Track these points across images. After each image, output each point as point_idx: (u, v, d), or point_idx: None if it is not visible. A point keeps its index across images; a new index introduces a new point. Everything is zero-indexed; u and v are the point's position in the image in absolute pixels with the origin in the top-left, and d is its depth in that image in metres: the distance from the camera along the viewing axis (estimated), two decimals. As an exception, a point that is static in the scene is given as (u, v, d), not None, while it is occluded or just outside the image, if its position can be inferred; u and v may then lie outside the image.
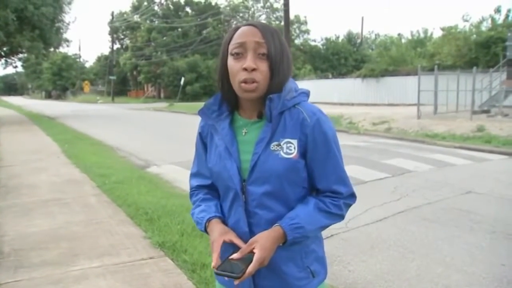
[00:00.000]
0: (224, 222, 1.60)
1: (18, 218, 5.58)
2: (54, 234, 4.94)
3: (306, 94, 1.58)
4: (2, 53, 25.81)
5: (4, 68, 52.28)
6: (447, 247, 4.73)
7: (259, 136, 1.50)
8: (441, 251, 4.62)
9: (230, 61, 1.47)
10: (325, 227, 1.52)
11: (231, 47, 1.47)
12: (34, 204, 6.25)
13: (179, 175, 8.06)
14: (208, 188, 1.71)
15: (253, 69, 1.42)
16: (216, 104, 1.59)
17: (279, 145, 1.47)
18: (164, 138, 14.90)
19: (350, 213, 5.62)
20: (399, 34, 43.61)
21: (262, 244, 1.40)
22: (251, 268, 1.36)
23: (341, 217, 1.54)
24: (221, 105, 1.59)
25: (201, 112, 1.62)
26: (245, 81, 1.43)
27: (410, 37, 45.04)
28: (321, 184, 1.52)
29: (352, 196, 1.56)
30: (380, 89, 30.84)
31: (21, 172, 8.71)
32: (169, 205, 5.57)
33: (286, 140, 1.48)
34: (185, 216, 5.19)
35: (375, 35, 62.75)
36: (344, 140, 12.81)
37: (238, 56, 1.45)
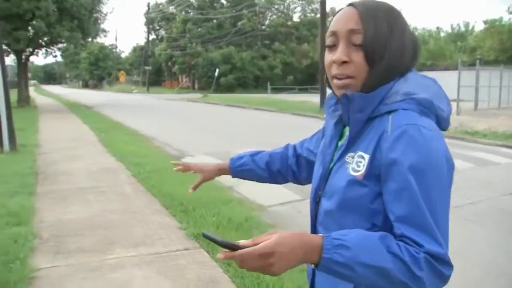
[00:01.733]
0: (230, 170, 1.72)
1: (55, 205, 5.65)
2: (90, 222, 4.98)
3: (418, 102, 1.13)
4: (43, 43, 26.42)
5: (45, 57, 54.04)
6: (488, 250, 4.53)
7: (342, 142, 1.24)
8: (482, 254, 4.43)
9: (326, 53, 1.22)
10: (386, 273, 1.00)
11: (326, 36, 1.23)
12: (70, 191, 6.32)
13: (214, 166, 8.04)
14: (292, 153, 1.62)
15: (344, 62, 1.14)
16: (334, 98, 1.31)
17: (353, 157, 1.17)
18: (198, 129, 14.94)
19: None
20: (437, 28, 42.46)
21: (281, 237, 1.00)
22: (247, 250, 0.98)
23: (416, 279, 1.01)
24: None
25: (325, 104, 1.40)
26: (336, 77, 1.17)
27: (450, 31, 43.88)
28: (393, 226, 1.08)
29: (443, 261, 1.03)
30: (417, 84, 30.17)
31: (59, 159, 8.86)
32: (204, 197, 5.52)
33: (359, 153, 1.15)
34: (221, 208, 5.15)
35: (413, 28, 61.32)
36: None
37: (330, 48, 1.19)
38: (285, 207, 5.81)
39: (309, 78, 53.35)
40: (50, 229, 4.75)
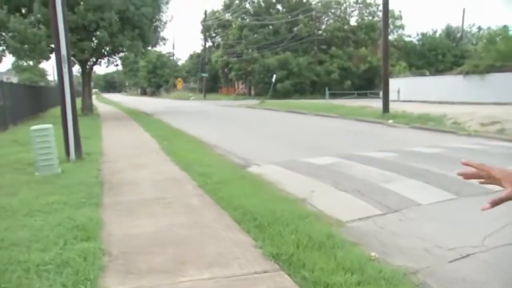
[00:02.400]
0: None
1: (122, 217, 5.42)
2: (158, 237, 4.68)
3: None
4: (106, 53, 27.05)
5: (107, 66, 55.96)
6: None
7: None
8: None
9: None
10: None
11: None
12: (136, 202, 6.09)
13: (282, 177, 7.61)
14: None
15: None
16: None
17: None
18: (260, 136, 14.62)
19: (485, 228, 4.87)
20: (505, 26, 40.01)
21: None
22: None
23: None
24: None
25: None
26: None
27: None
28: None
29: None
30: (485, 87, 28.54)
31: (123, 168, 8.74)
32: (278, 211, 5.11)
33: None
34: (298, 225, 4.71)
35: (477, 28, 58.70)
36: (454, 142, 11.74)
37: None
38: (366, 223, 5.29)
39: (367, 83, 52.05)
40: (118, 244, 4.49)
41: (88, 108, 27.15)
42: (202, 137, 13.72)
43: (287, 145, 12.22)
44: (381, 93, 23.43)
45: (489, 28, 49.98)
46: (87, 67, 27.46)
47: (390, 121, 17.77)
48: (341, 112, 22.33)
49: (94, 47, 24.10)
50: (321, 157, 9.54)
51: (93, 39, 23.80)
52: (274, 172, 8.10)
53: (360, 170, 7.95)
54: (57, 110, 10.40)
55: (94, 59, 27.41)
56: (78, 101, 28.09)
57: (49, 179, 7.36)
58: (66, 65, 8.98)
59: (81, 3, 21.33)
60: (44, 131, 7.93)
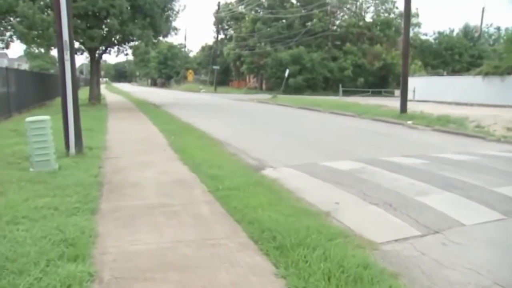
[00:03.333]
0: None
1: (120, 228, 4.69)
2: (161, 258, 3.95)
3: None
4: (116, 41, 26.31)
5: (117, 55, 55.20)
6: None
7: None
8: None
9: None
10: None
11: None
12: (138, 209, 5.36)
13: (301, 183, 6.83)
14: None
15: None
16: None
17: None
18: (274, 134, 13.82)
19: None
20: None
21: None
22: None
23: None
24: None
25: None
26: None
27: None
28: None
29: None
30: (506, 89, 27.52)
31: (127, 165, 8.03)
32: (302, 229, 4.34)
33: None
34: (327, 248, 3.94)
35: (496, 28, 57.37)
36: (484, 149, 10.91)
37: None
38: (403, 246, 4.50)
39: (381, 80, 51.00)
40: (112, 266, 3.75)
41: (96, 98, 26.48)
42: (212, 132, 12.98)
43: (304, 145, 11.44)
44: (396, 92, 22.49)
45: (507, 29, 48.67)
46: (96, 55, 26.77)
47: (410, 122, 16.91)
48: (357, 110, 21.47)
49: (104, 35, 23.38)
50: (343, 161, 8.74)
51: (103, 27, 23.10)
52: (292, 177, 7.31)
53: (388, 179, 7.15)
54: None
55: (104, 48, 26.71)
56: (87, 90, 27.51)
57: (43, 176, 6.64)
58: (68, 52, 8.25)
59: (92, -12, 20.59)
60: (40, 123, 7.21)
